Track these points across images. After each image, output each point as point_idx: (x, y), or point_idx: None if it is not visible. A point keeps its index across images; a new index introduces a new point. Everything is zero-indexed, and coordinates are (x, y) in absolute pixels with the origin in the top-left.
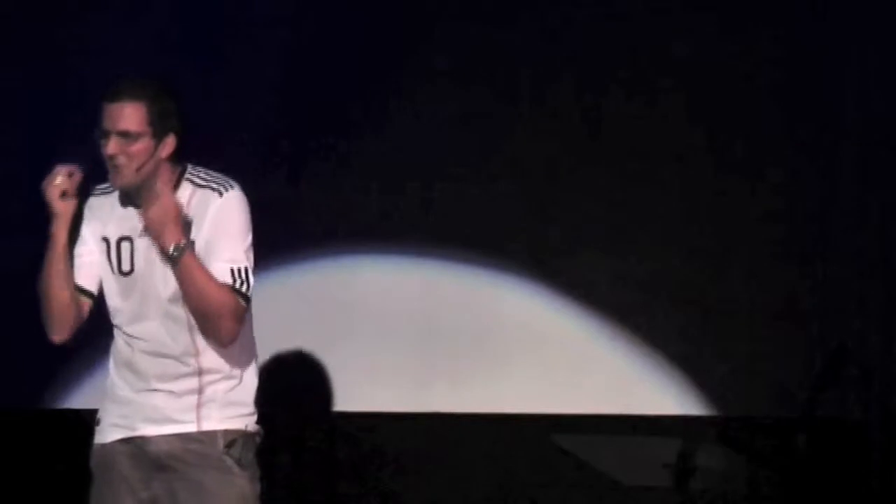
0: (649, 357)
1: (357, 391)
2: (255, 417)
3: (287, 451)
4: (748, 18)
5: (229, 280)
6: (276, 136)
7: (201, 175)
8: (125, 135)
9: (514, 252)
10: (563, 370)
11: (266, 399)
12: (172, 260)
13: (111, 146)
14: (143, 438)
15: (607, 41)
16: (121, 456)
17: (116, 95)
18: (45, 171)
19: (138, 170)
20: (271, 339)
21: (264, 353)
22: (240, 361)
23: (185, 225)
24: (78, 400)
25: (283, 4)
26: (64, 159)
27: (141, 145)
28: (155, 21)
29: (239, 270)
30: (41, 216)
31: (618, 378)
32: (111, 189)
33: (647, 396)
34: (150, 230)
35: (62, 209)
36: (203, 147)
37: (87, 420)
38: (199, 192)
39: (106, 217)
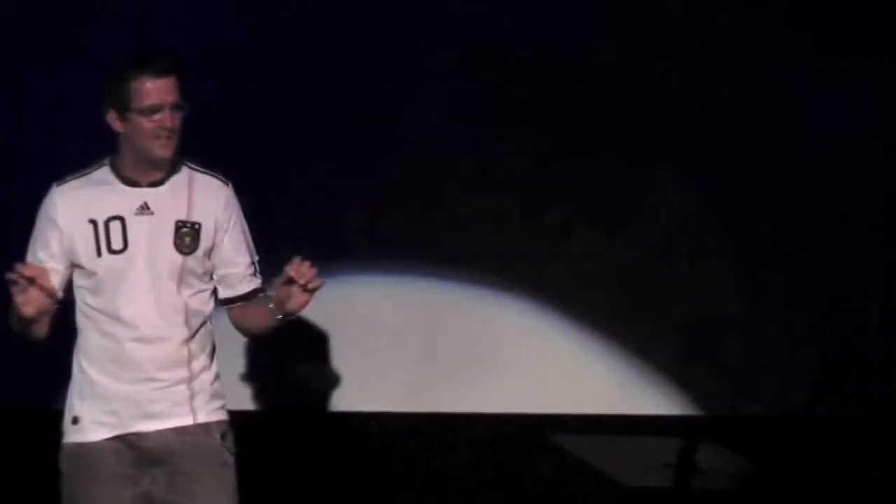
0: (649, 357)
1: (357, 391)
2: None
3: (287, 451)
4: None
5: (257, 281)
6: (269, 150)
7: (194, 164)
8: (177, 107)
9: (512, 254)
10: (563, 370)
11: (267, 399)
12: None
13: (171, 119)
14: (137, 435)
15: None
16: (108, 454)
17: (163, 70)
18: (40, 166)
19: (177, 141)
20: (272, 341)
21: (265, 354)
22: (213, 350)
23: (193, 231)
24: None
25: (263, 24)
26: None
27: (180, 117)
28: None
29: (257, 265)
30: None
31: (617, 378)
32: (86, 174)
33: (647, 396)
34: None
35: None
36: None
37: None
38: (201, 175)
39: (90, 200)
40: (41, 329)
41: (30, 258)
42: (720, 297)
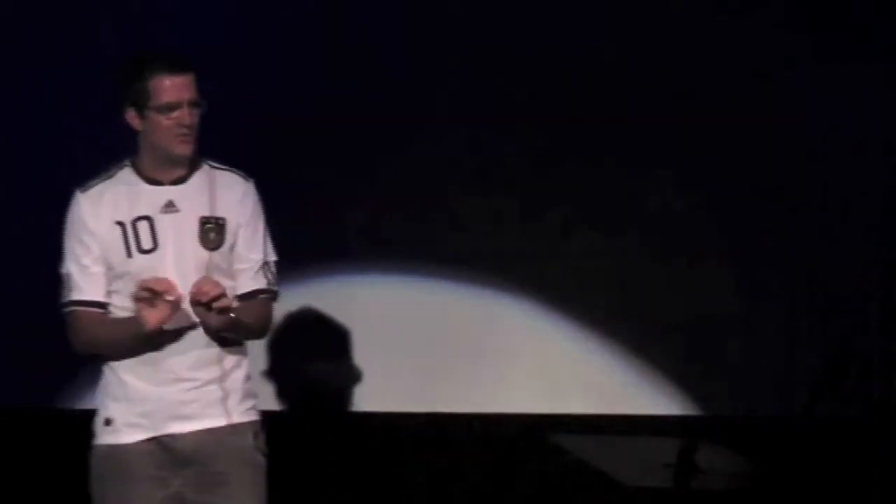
0: (649, 357)
1: (356, 391)
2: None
3: (286, 451)
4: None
5: (263, 281)
6: (268, 150)
7: (214, 161)
8: (195, 104)
9: (512, 254)
10: (563, 370)
11: (264, 400)
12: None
13: (191, 116)
14: (170, 436)
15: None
16: (142, 455)
17: (181, 67)
18: (44, 171)
19: (197, 138)
20: (274, 343)
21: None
22: (245, 349)
23: (217, 226)
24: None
25: (263, 24)
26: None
27: (198, 114)
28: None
29: (271, 265)
30: (44, 216)
31: (616, 378)
32: (108, 176)
33: (647, 396)
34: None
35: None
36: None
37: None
38: (222, 173)
39: (115, 202)
40: (151, 345)
41: (73, 267)
42: (720, 297)
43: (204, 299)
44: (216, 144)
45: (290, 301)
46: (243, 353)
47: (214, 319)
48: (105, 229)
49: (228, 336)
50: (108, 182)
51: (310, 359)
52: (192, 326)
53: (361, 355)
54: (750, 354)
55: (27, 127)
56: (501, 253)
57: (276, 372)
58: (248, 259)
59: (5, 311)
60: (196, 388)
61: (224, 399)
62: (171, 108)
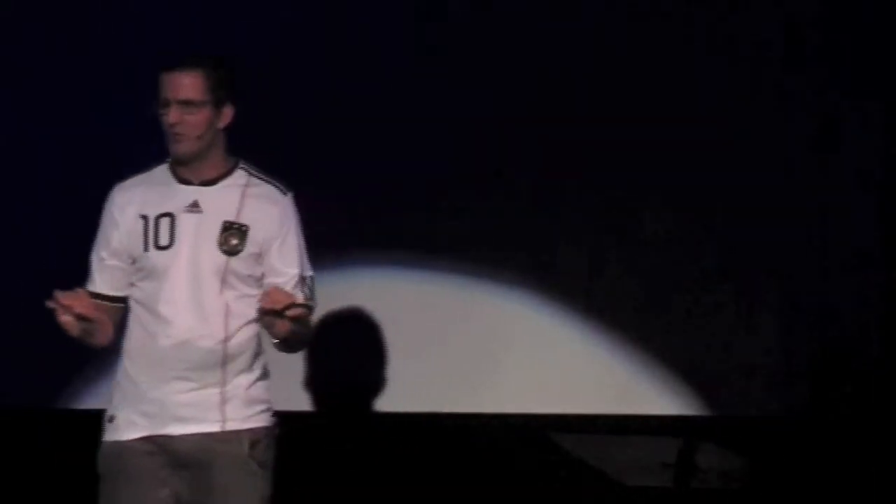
0: (649, 357)
1: (356, 391)
2: (272, 412)
3: (287, 451)
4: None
5: (300, 296)
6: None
7: (254, 169)
8: (186, 103)
9: (512, 255)
10: (563, 370)
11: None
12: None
13: (173, 115)
14: (166, 437)
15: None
16: (141, 454)
17: (176, 65)
18: (44, 172)
19: (199, 138)
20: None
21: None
22: (258, 354)
23: (240, 232)
24: (93, 400)
25: (263, 25)
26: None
27: (201, 114)
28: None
29: (308, 280)
30: (44, 216)
31: (617, 378)
32: (146, 172)
33: (647, 396)
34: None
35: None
36: None
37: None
38: (259, 182)
39: (145, 197)
40: (100, 338)
41: (93, 257)
42: (720, 297)
43: (278, 307)
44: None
45: None
46: (253, 359)
47: (283, 327)
48: (129, 221)
49: (286, 346)
50: (142, 177)
51: (307, 359)
52: (200, 327)
53: (360, 355)
54: (750, 354)
55: (27, 127)
56: (502, 252)
57: (272, 372)
58: (284, 273)
59: (5, 311)
60: (195, 390)
61: (222, 404)
62: (162, 105)
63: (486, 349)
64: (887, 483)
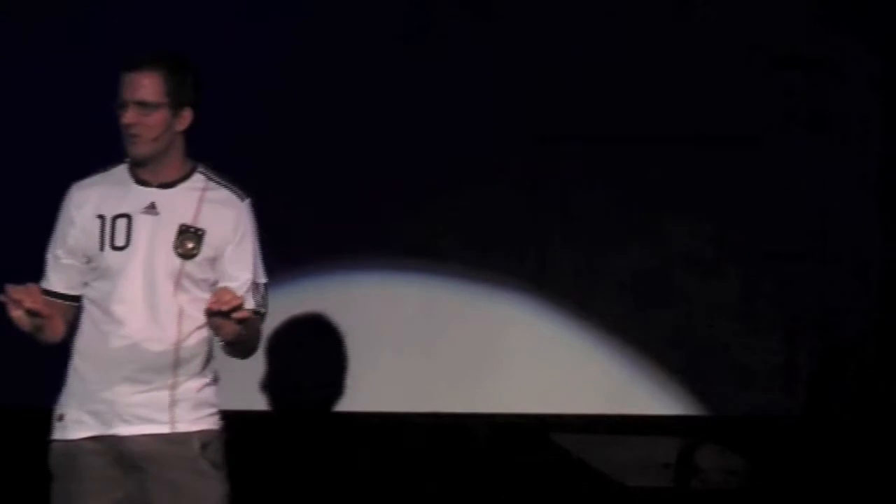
0: (649, 357)
1: (356, 391)
2: (220, 416)
3: (284, 452)
4: None
5: (252, 303)
6: (268, 150)
7: (212, 174)
8: (143, 104)
9: (512, 255)
10: (563, 370)
11: (264, 399)
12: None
13: (128, 115)
14: (116, 437)
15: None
16: (90, 454)
17: (135, 65)
18: (43, 171)
19: (154, 140)
20: (273, 343)
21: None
22: (209, 358)
23: (196, 235)
24: None
25: (263, 24)
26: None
27: (158, 116)
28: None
29: (260, 286)
30: (45, 214)
31: (617, 378)
32: (105, 172)
33: (647, 396)
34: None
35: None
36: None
37: None
38: (217, 187)
39: (102, 197)
40: (49, 335)
41: (49, 255)
42: (722, 297)
43: (225, 308)
44: (214, 145)
45: (284, 301)
46: (205, 363)
47: (230, 329)
48: (86, 220)
49: (233, 350)
50: (101, 177)
51: (307, 358)
52: (153, 329)
53: (359, 355)
54: (750, 354)
55: (27, 126)
56: (502, 252)
57: (272, 372)
58: (237, 277)
59: (5, 311)
60: (144, 391)
61: (172, 406)
62: (118, 105)
63: (486, 349)
64: (887, 483)
